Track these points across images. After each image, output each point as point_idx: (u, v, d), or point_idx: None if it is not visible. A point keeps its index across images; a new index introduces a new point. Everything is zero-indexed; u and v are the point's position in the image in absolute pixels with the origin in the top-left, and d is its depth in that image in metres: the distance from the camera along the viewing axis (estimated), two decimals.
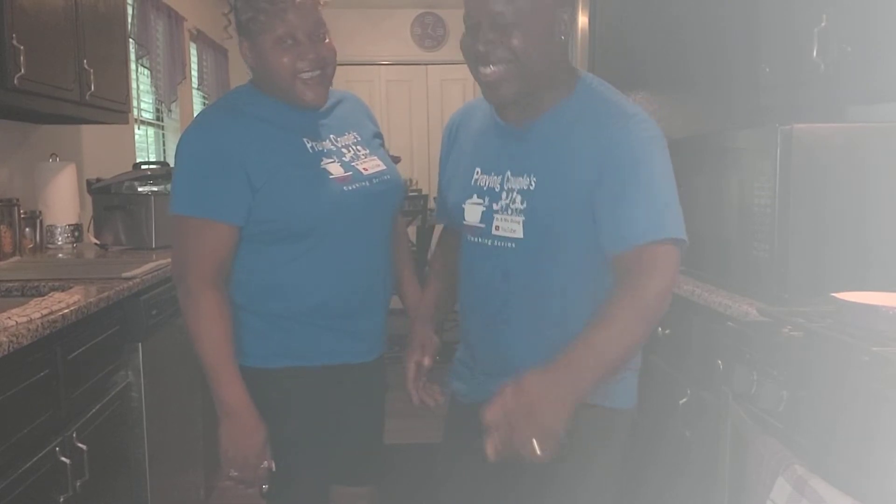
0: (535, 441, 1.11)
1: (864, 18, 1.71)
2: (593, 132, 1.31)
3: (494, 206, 1.40)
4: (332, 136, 1.58)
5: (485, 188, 1.42)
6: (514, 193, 1.37)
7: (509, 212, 1.37)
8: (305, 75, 1.50)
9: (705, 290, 1.79)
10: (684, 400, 1.87)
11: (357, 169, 1.56)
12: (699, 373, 1.82)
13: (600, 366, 1.20)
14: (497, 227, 1.39)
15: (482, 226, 1.41)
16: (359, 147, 1.61)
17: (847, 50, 1.75)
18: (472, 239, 1.44)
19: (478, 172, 1.44)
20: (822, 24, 1.81)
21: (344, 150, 1.58)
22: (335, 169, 1.53)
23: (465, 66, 1.36)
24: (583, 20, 2.96)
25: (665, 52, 2.72)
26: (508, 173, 1.39)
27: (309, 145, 1.54)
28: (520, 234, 1.36)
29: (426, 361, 1.52)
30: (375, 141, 1.68)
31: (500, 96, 1.33)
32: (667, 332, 2.02)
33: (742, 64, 2.28)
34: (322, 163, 1.52)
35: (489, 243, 1.41)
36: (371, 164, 1.59)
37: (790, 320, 1.40)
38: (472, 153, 1.48)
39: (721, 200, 1.86)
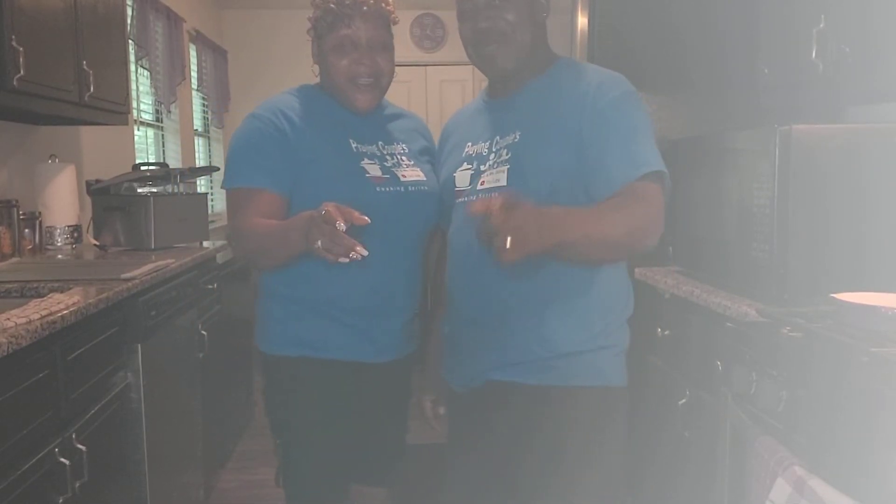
0: (508, 238, 1.14)
1: (863, 19, 1.71)
2: (573, 87, 1.43)
3: (482, 168, 1.49)
4: (380, 142, 1.64)
5: (474, 155, 1.53)
6: (502, 149, 1.46)
7: (496, 165, 1.46)
8: (360, 81, 1.58)
9: (704, 291, 1.79)
10: (683, 400, 1.87)
11: (395, 174, 1.60)
12: (698, 373, 1.82)
13: (580, 229, 1.27)
14: (483, 182, 1.47)
15: (469, 186, 1.50)
16: (404, 157, 1.65)
17: (846, 51, 1.75)
18: (460, 200, 1.52)
19: (468, 146, 1.55)
20: (821, 25, 1.81)
21: (388, 157, 1.63)
22: (373, 169, 1.58)
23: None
24: (582, 21, 2.96)
25: (664, 54, 2.72)
26: (497, 137, 1.49)
27: (353, 145, 1.60)
28: (503, 181, 1.43)
29: (441, 411, 1.68)
30: (423, 157, 1.71)
31: (499, 69, 1.49)
32: (666, 332, 2.02)
33: (741, 65, 2.28)
34: (362, 161, 1.58)
35: (474, 199, 1.47)
36: (411, 173, 1.63)
37: (789, 321, 1.40)
38: (464, 135, 1.59)
39: (720, 201, 1.86)
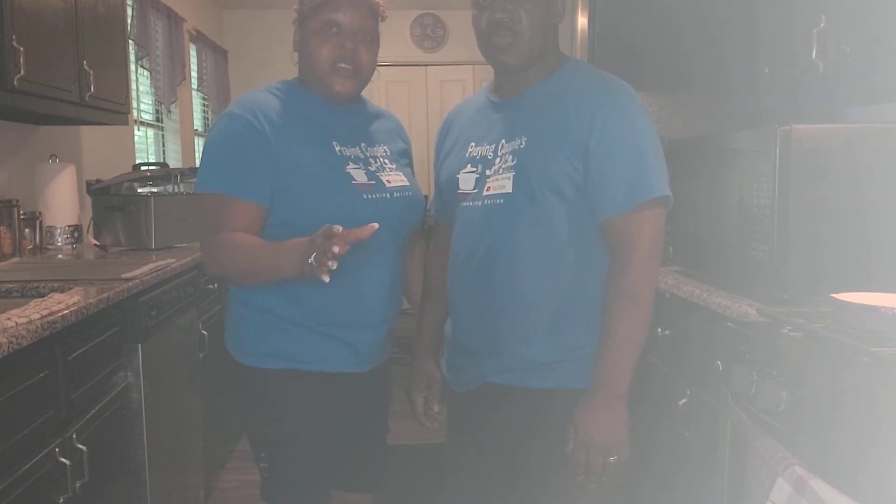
0: (610, 459, 1.38)
1: (863, 19, 1.71)
2: (581, 98, 1.42)
3: (487, 172, 1.47)
4: (363, 143, 1.60)
5: (478, 157, 1.50)
6: (507, 154, 1.45)
7: (501, 171, 1.45)
8: (340, 65, 1.52)
9: (704, 291, 1.79)
10: (683, 401, 1.87)
11: (381, 180, 1.56)
12: (698, 373, 1.82)
13: (625, 367, 1.38)
14: (488, 188, 1.46)
15: (475, 191, 1.49)
16: (386, 160, 1.62)
17: (846, 51, 1.75)
18: (465, 204, 1.51)
19: (472, 146, 1.53)
20: (822, 25, 1.81)
21: (371, 160, 1.59)
22: (359, 175, 1.53)
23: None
24: (582, 21, 2.96)
25: (664, 54, 2.73)
26: (503, 141, 1.47)
27: (337, 148, 1.55)
28: (509, 188, 1.43)
29: (436, 408, 1.67)
30: (403, 160, 1.69)
31: (506, 63, 1.47)
32: (666, 332, 2.02)
33: (741, 65, 2.28)
34: (347, 167, 1.53)
35: (480, 204, 1.47)
36: (395, 178, 1.60)
37: (789, 321, 1.40)
38: (467, 133, 1.56)
39: (720, 201, 1.86)
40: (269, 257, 1.42)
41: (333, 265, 1.25)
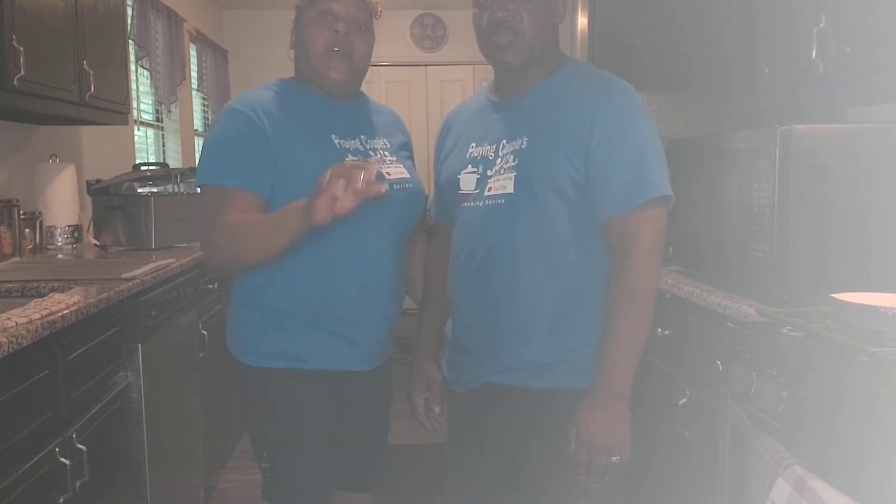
0: (612, 459, 1.38)
1: (863, 19, 1.71)
2: (582, 98, 1.42)
3: (488, 173, 1.47)
4: (362, 136, 1.60)
5: (479, 158, 1.50)
6: (508, 155, 1.45)
7: (502, 172, 1.45)
8: (336, 52, 1.53)
9: (704, 291, 1.79)
10: (683, 400, 1.87)
11: (380, 172, 1.54)
12: (698, 373, 1.82)
13: (626, 366, 1.38)
14: (490, 189, 1.46)
15: (476, 191, 1.49)
16: (386, 153, 1.62)
17: (846, 51, 1.75)
18: (466, 205, 1.51)
19: (472, 146, 1.53)
20: (822, 25, 1.81)
21: (371, 153, 1.59)
22: None
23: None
24: (582, 21, 2.96)
25: (664, 54, 2.73)
26: (504, 141, 1.47)
27: (336, 141, 1.55)
28: (511, 189, 1.43)
29: (436, 409, 1.67)
30: (403, 152, 1.69)
31: (507, 63, 1.47)
32: (666, 332, 2.02)
33: (741, 65, 2.28)
34: (346, 159, 1.53)
35: (481, 204, 1.47)
36: (395, 170, 1.59)
37: (789, 321, 1.40)
38: (467, 133, 1.56)
39: (720, 201, 1.86)
40: (270, 220, 1.41)
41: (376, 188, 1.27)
